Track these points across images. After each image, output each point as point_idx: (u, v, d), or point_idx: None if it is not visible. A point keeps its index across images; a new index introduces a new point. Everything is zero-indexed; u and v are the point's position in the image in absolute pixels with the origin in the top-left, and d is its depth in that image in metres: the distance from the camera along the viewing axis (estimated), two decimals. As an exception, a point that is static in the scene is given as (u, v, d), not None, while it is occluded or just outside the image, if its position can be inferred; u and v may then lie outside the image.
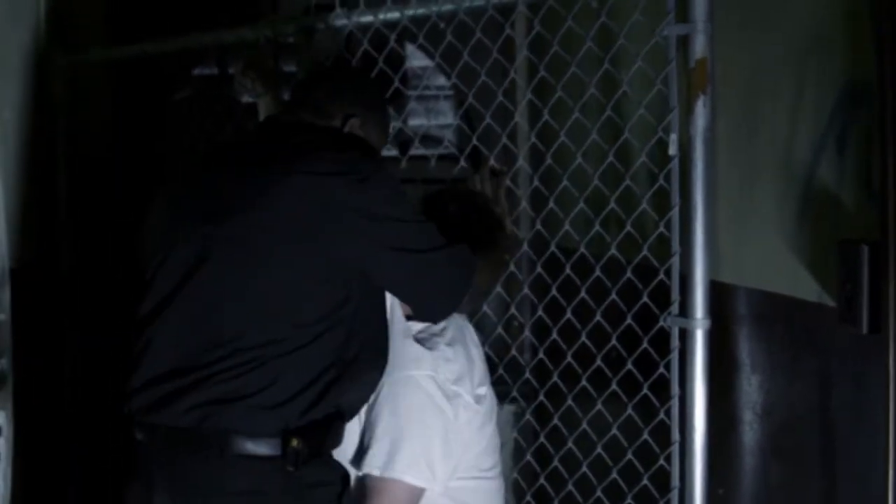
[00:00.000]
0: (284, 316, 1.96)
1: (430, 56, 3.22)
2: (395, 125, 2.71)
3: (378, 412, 2.09)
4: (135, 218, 2.23)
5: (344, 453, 2.12)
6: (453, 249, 2.07)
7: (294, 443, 1.93)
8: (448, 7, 2.65)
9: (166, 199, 2.17)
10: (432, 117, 4.12)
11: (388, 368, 2.10)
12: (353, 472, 2.11)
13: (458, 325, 2.23)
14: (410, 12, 2.72)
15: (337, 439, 2.05)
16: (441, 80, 3.93)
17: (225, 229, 1.99)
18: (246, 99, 3.83)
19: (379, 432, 2.07)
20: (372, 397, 2.11)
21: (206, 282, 2.00)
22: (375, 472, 2.06)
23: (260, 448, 1.93)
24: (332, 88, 2.22)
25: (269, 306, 1.96)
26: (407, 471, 2.05)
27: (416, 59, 4.12)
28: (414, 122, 3.95)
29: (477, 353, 2.26)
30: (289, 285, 1.96)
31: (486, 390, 2.22)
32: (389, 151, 3.07)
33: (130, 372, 2.05)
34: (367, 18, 2.78)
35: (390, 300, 2.16)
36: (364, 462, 2.08)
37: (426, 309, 2.14)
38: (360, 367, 2.03)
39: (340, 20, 2.82)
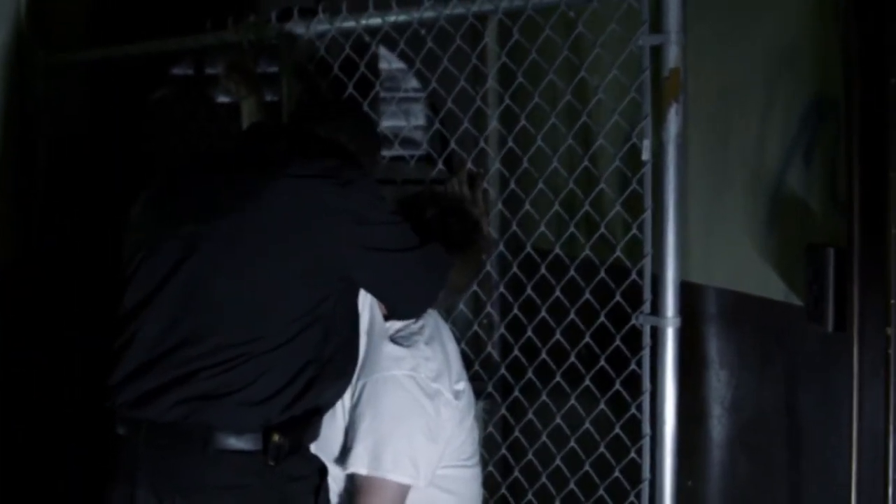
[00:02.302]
0: (270, 314, 1.99)
1: (408, 60, 3.25)
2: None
3: (361, 412, 2.12)
4: (118, 215, 2.24)
5: (329, 452, 2.16)
6: (428, 248, 2.13)
7: (275, 438, 1.96)
8: (429, 14, 2.67)
9: (149, 197, 2.18)
10: (409, 119, 4.14)
11: (369, 368, 2.14)
12: (337, 471, 2.14)
13: (434, 323, 2.27)
14: (392, 18, 2.74)
15: (315, 434, 2.09)
16: (414, 83, 3.95)
17: (212, 228, 2.02)
18: (223, 99, 3.87)
19: (362, 432, 2.10)
20: (355, 396, 2.14)
21: (191, 279, 2.02)
22: (362, 471, 2.10)
23: (242, 443, 1.96)
24: (331, 128, 2.24)
25: (255, 304, 1.99)
26: (392, 469, 2.08)
27: (390, 62, 4.15)
28: (389, 123, 3.97)
29: (453, 349, 2.30)
30: (275, 284, 2.00)
31: (463, 385, 2.27)
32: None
33: (112, 367, 2.06)
34: (350, 24, 2.79)
35: (370, 303, 2.20)
36: (349, 461, 2.11)
37: (402, 306, 2.19)
38: (335, 366, 2.07)
39: (322, 25, 2.83)
